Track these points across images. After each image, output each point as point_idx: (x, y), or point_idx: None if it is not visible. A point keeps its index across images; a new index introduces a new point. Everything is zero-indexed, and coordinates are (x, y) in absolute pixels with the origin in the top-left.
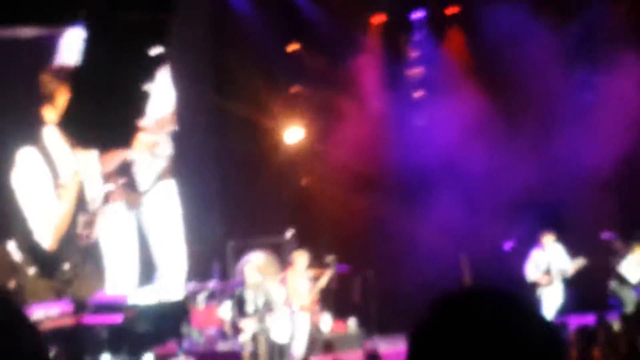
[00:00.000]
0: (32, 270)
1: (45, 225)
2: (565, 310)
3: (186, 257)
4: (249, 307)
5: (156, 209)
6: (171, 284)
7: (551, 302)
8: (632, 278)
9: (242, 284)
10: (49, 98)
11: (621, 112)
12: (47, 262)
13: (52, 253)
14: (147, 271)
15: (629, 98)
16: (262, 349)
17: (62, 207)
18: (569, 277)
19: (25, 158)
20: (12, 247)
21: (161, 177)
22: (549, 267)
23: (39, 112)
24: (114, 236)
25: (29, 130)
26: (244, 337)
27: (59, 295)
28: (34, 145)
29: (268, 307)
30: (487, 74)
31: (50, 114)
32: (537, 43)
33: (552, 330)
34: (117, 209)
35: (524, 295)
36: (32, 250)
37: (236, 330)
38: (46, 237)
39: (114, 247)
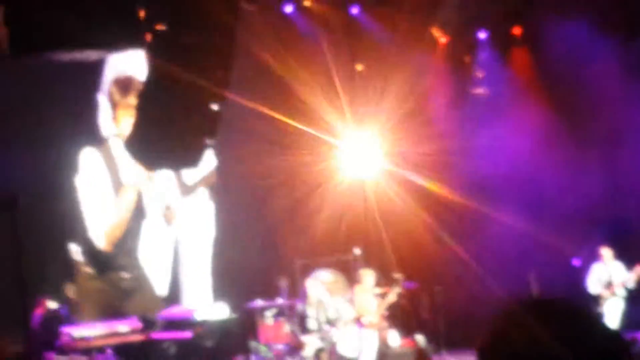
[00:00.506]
0: (89, 269)
1: (100, 225)
2: (631, 325)
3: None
4: (312, 324)
5: (189, 225)
6: (195, 303)
7: (614, 316)
8: None
9: (305, 300)
10: (112, 110)
11: None
12: (102, 261)
13: (107, 254)
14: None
15: None
16: None
17: (118, 212)
18: (633, 288)
19: (86, 158)
20: (74, 248)
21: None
22: (610, 280)
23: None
24: (152, 250)
25: (93, 135)
26: (307, 353)
27: (114, 300)
28: (97, 147)
29: (333, 323)
30: (553, 90)
31: (113, 126)
32: (602, 59)
33: (622, 344)
34: (157, 223)
35: (591, 309)
36: (88, 249)
37: (299, 346)
38: (101, 238)
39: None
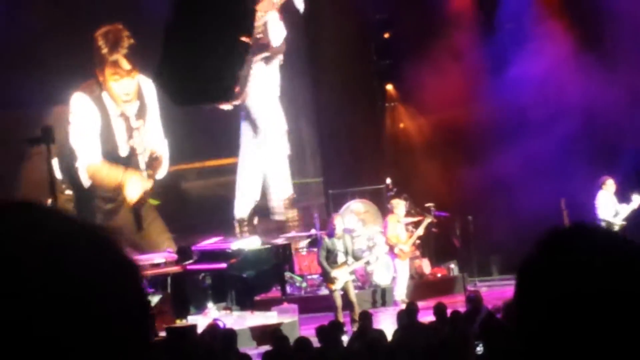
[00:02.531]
0: (68, 192)
1: (84, 164)
2: None
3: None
4: (339, 256)
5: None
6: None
7: None
8: None
9: (331, 233)
10: (99, 64)
11: None
12: (82, 195)
13: (87, 189)
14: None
15: None
16: (353, 294)
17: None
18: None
19: (76, 101)
20: (56, 164)
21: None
22: (617, 209)
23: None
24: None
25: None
26: (337, 285)
27: None
28: (90, 94)
29: (365, 254)
30: (579, 12)
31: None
32: None
33: None
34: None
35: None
36: (72, 176)
37: (327, 278)
38: (84, 175)
39: None
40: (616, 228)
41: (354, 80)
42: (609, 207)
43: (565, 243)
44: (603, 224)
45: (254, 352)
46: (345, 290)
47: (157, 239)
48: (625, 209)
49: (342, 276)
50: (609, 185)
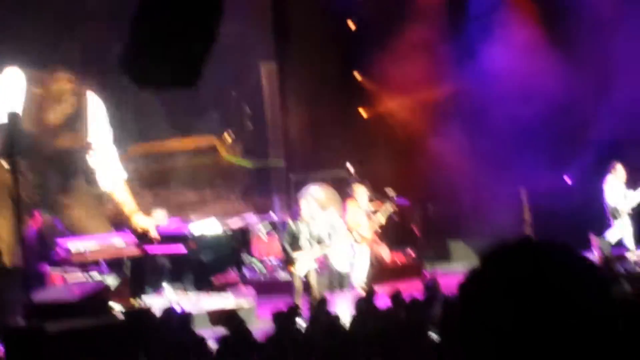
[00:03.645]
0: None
1: None
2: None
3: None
4: (303, 241)
5: None
6: None
7: (628, 231)
8: None
9: (296, 217)
10: None
11: None
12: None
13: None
14: None
15: None
16: (314, 280)
17: None
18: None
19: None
20: None
21: None
22: (625, 194)
23: None
24: None
25: None
26: (300, 270)
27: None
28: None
29: (324, 238)
30: (546, 9)
31: None
32: None
33: (604, 291)
34: None
35: (579, 251)
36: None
37: (290, 262)
38: None
39: None
40: (624, 214)
41: (319, 66)
42: (617, 192)
43: (509, 260)
44: (611, 208)
45: (209, 334)
46: (306, 275)
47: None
48: (634, 196)
49: (306, 261)
50: (618, 171)
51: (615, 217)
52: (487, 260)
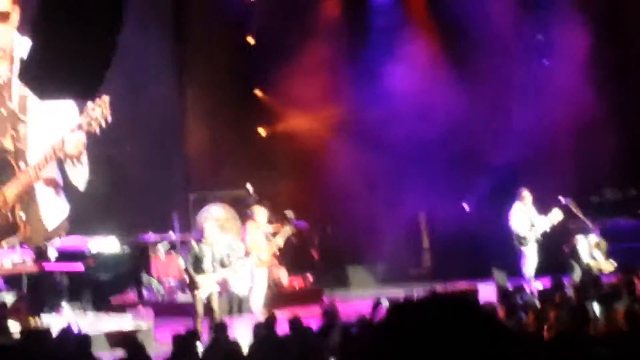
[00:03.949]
0: None
1: None
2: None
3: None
4: (206, 264)
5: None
6: None
7: (533, 259)
8: (584, 255)
9: (200, 238)
10: None
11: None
12: None
13: None
14: None
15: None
16: (216, 304)
17: None
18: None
19: None
20: None
21: None
22: (532, 222)
23: None
24: None
25: None
26: (203, 293)
27: None
28: None
29: (227, 261)
30: (445, 30)
31: None
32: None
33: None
34: None
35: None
36: None
37: (194, 285)
38: None
39: None
40: (531, 242)
41: (220, 84)
42: (524, 220)
43: (413, 314)
44: (516, 236)
45: (107, 357)
46: (209, 298)
47: None
48: (543, 223)
49: (208, 284)
50: (525, 198)
51: (522, 245)
52: (394, 311)
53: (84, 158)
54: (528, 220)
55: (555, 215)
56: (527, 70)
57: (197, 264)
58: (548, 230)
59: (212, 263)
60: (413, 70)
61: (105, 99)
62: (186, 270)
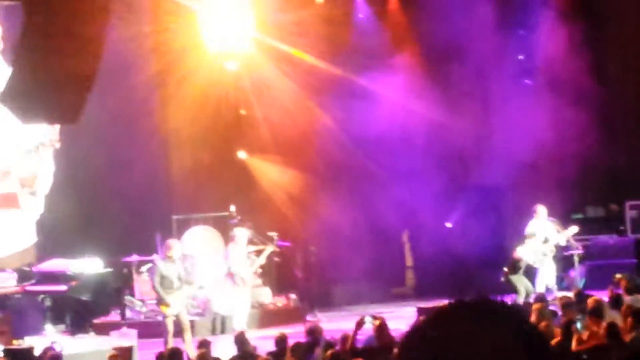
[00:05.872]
0: None
1: None
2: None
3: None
4: (175, 281)
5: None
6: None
7: (551, 274)
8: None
9: (164, 257)
10: None
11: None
12: None
13: None
14: None
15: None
16: (186, 321)
17: None
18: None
19: None
20: None
21: None
22: (547, 237)
23: None
24: None
25: None
26: (171, 311)
27: None
28: None
29: (204, 280)
30: (429, 48)
31: None
32: (477, 14)
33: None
34: None
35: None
36: None
37: (161, 302)
38: None
39: None
40: (546, 255)
41: (201, 108)
42: (538, 235)
43: (447, 319)
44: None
45: None
46: (178, 315)
47: None
48: (559, 237)
49: (177, 302)
50: (540, 213)
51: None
52: (429, 317)
53: (39, 187)
54: (542, 235)
55: (571, 230)
56: (510, 90)
57: (164, 282)
58: (564, 244)
59: (178, 280)
60: (396, 90)
61: None
62: (154, 287)
